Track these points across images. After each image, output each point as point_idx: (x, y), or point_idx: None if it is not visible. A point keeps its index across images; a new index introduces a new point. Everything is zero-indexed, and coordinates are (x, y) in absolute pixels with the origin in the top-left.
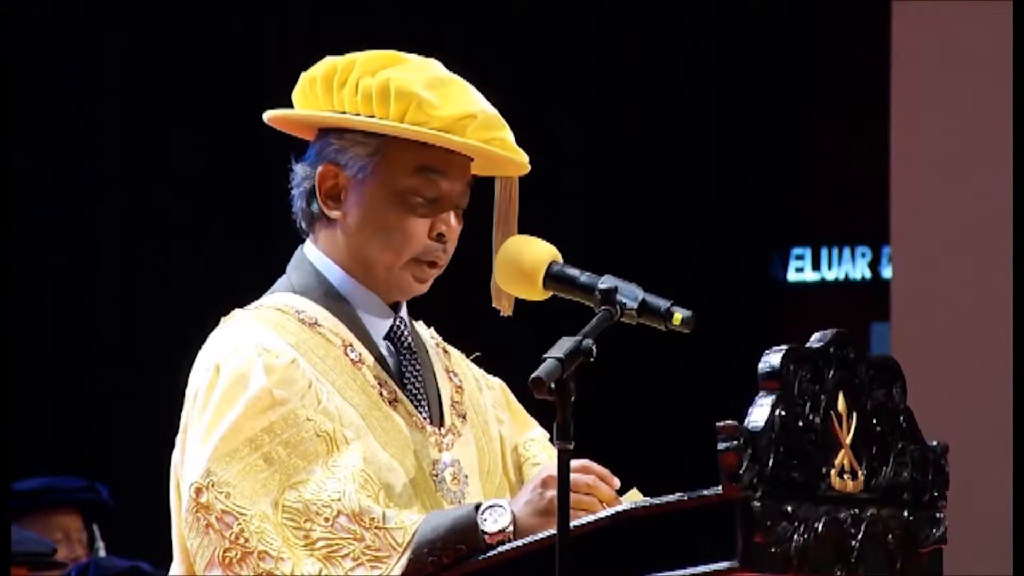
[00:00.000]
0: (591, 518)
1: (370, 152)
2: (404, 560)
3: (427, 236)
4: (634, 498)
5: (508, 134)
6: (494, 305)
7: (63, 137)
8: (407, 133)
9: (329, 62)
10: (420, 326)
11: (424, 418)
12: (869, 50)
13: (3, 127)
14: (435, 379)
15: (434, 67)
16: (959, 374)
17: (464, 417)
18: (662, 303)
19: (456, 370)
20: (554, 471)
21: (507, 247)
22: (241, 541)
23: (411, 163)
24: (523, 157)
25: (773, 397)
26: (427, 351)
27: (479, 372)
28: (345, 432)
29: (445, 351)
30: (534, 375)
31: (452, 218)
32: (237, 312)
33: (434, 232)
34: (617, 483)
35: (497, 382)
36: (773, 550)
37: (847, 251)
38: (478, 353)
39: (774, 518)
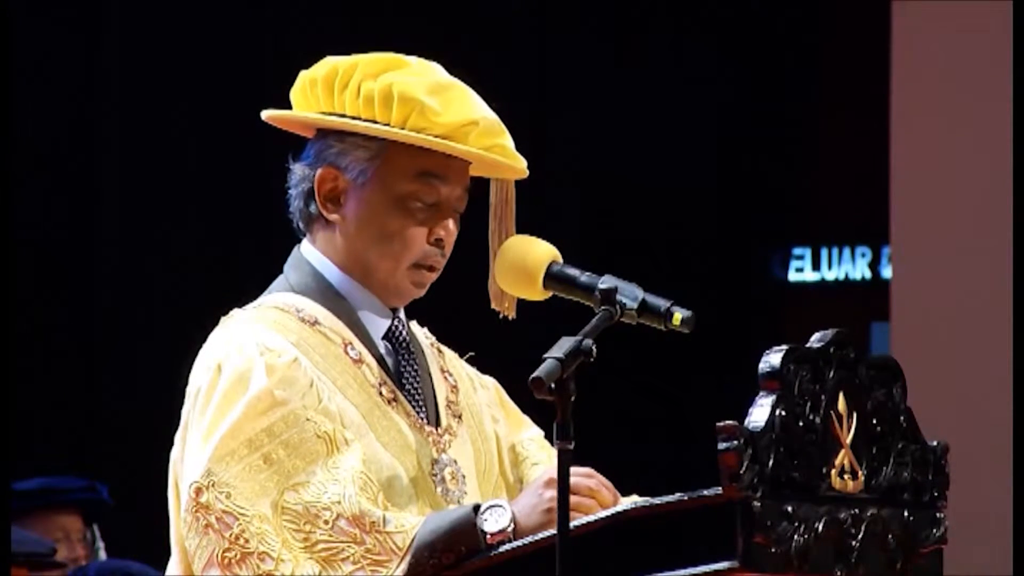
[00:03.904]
0: (591, 518)
1: (370, 156)
2: (405, 565)
3: (426, 241)
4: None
5: (508, 140)
6: (494, 307)
7: (62, 137)
8: (410, 139)
9: (330, 63)
10: (414, 325)
11: (422, 418)
12: (869, 50)
13: (3, 128)
14: (431, 379)
15: (435, 71)
16: (959, 374)
17: (460, 417)
18: (662, 303)
19: (451, 370)
20: (556, 473)
21: (507, 247)
22: (241, 542)
23: (411, 168)
24: (522, 163)
25: (773, 397)
26: (423, 351)
27: (472, 371)
28: (345, 433)
29: (439, 351)
30: (534, 375)
31: (450, 223)
32: (236, 312)
33: (433, 237)
34: (619, 496)
35: (490, 381)
36: (773, 550)
37: (847, 251)
38: (472, 353)
39: (774, 518)
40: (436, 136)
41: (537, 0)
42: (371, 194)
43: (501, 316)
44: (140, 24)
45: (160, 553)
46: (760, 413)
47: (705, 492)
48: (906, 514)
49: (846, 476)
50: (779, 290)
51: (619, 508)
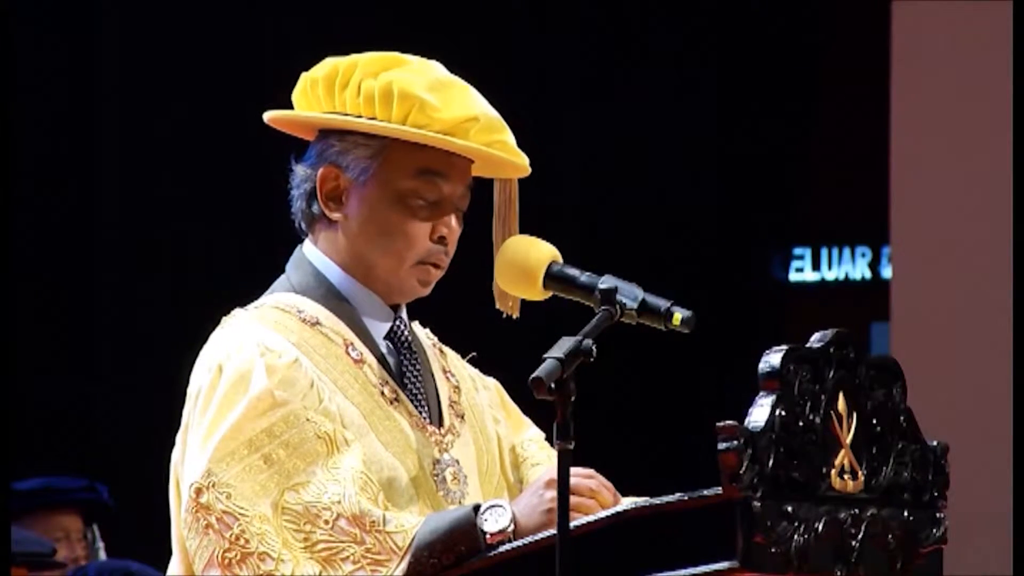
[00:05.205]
0: (591, 518)
1: (372, 154)
2: (404, 564)
3: (428, 239)
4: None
5: (509, 136)
6: (498, 307)
7: (62, 135)
8: (410, 136)
9: (330, 63)
10: (416, 326)
11: (424, 418)
12: (869, 50)
13: (3, 126)
14: (433, 379)
15: (435, 68)
16: (959, 374)
17: (462, 417)
18: (662, 303)
19: (453, 370)
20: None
21: (507, 247)
22: (241, 542)
23: (412, 165)
24: (524, 160)
25: (773, 397)
26: (425, 351)
27: (474, 372)
28: (345, 433)
29: (441, 351)
30: (534, 375)
31: (453, 220)
32: (237, 311)
33: (435, 235)
34: (619, 498)
35: (492, 382)
36: (773, 550)
37: (847, 251)
38: (474, 353)
39: (774, 518)
40: (436, 133)
41: (537, 0)
42: (372, 192)
43: (505, 316)
44: (140, 24)
45: (160, 553)
46: (760, 413)
47: (705, 492)
48: (906, 514)
49: (846, 476)
50: (779, 290)
51: (619, 508)
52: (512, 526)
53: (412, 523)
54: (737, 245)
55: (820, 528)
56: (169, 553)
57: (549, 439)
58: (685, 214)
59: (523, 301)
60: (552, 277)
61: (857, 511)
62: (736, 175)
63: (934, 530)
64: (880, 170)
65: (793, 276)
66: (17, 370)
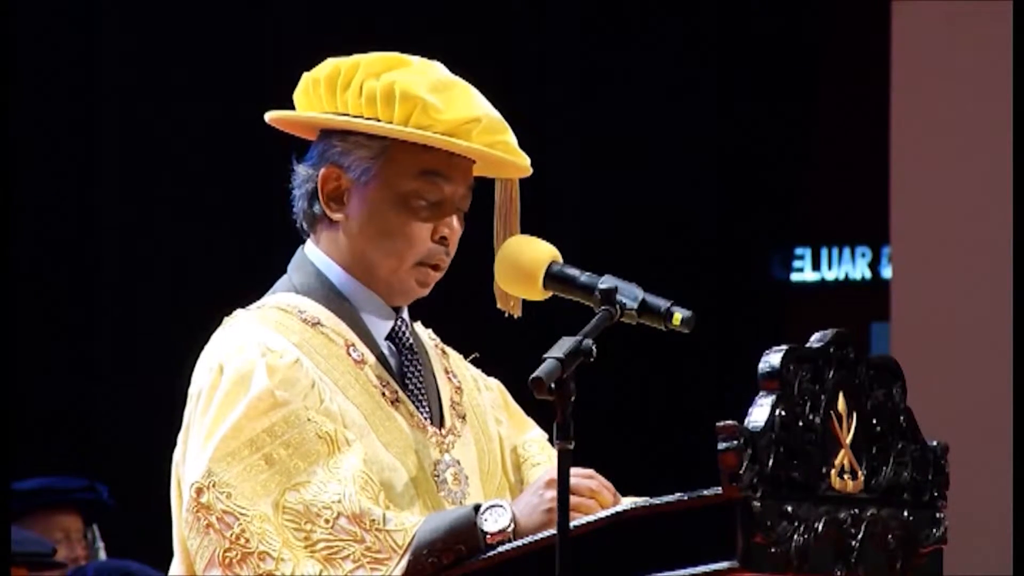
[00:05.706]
0: (591, 518)
1: (373, 155)
2: (404, 562)
3: (430, 240)
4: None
5: (511, 137)
6: (500, 307)
7: (61, 136)
8: (412, 137)
9: (332, 63)
10: (419, 327)
11: (425, 418)
12: (869, 50)
13: (3, 125)
14: (435, 380)
15: (437, 69)
16: (959, 374)
17: (464, 418)
18: (662, 303)
19: (455, 371)
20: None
21: (507, 247)
22: (242, 542)
23: (414, 166)
24: (525, 160)
25: (773, 397)
26: (427, 352)
27: (477, 373)
28: (346, 433)
29: (444, 352)
30: (534, 375)
31: (454, 221)
32: (239, 312)
33: (437, 235)
34: (620, 498)
35: (495, 383)
36: (773, 550)
37: (847, 251)
38: (476, 354)
39: (774, 518)
40: (438, 134)
41: (537, 0)
42: (374, 192)
43: (507, 315)
44: (140, 24)
45: (160, 553)
46: (760, 413)
47: (705, 492)
48: (906, 514)
49: (846, 476)
50: (779, 290)
51: (619, 508)
52: (512, 526)
53: (412, 522)
54: (737, 245)
55: (820, 528)
56: (169, 553)
57: (550, 439)
58: (685, 214)
59: (523, 301)
60: (552, 277)
61: (857, 511)
62: (736, 175)
63: (934, 530)
64: (880, 170)
65: (793, 276)
66: (17, 370)
